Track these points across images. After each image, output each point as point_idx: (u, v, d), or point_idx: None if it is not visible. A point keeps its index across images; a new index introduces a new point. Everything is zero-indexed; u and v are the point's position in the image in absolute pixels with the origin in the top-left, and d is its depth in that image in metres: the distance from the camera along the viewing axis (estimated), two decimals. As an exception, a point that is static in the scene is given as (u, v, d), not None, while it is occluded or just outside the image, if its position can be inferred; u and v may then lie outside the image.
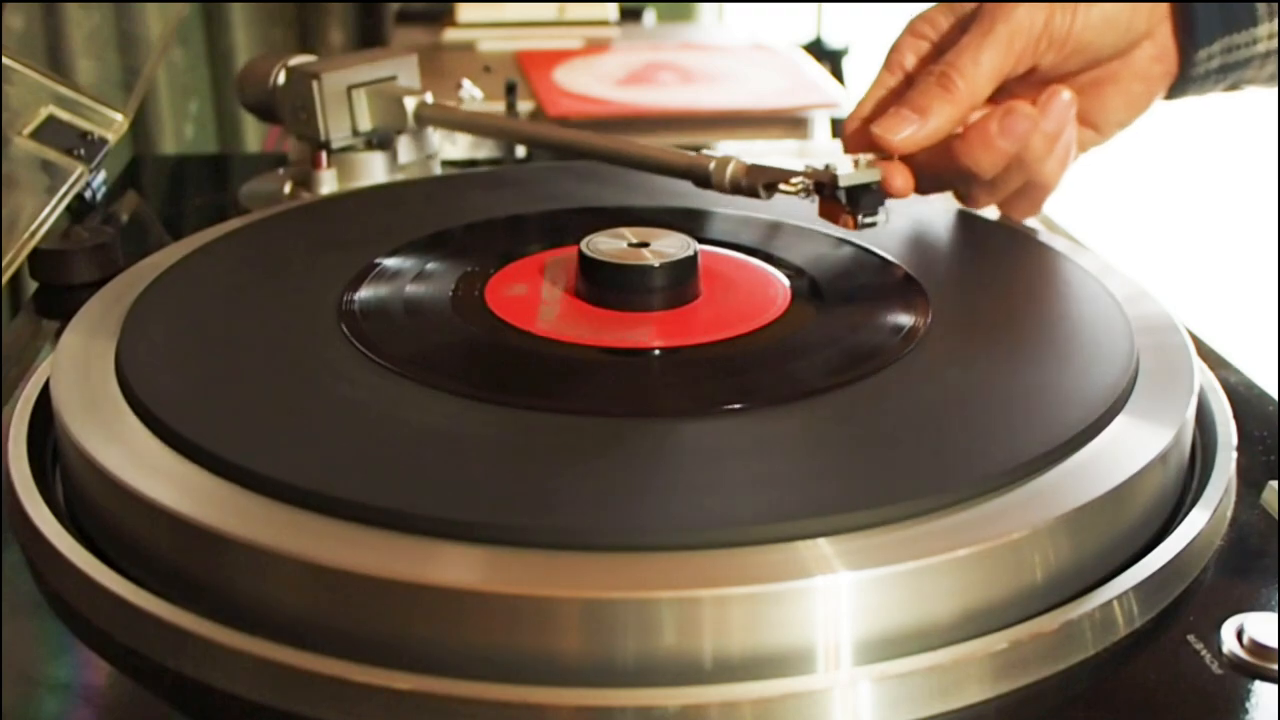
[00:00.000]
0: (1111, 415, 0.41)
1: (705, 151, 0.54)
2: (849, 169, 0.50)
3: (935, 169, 0.54)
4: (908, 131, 0.52)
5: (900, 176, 0.52)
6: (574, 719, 0.32)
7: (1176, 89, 0.57)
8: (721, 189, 0.53)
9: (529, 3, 1.26)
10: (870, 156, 0.52)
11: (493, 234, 0.58)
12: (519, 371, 0.45)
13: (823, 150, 0.93)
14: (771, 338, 0.47)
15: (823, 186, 0.50)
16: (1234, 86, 0.58)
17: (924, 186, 0.55)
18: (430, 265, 0.53)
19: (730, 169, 0.52)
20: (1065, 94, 0.53)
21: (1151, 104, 0.57)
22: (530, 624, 0.33)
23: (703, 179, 0.54)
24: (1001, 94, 0.54)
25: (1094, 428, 0.40)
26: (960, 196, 0.58)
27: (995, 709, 0.34)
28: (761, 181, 0.52)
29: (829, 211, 0.51)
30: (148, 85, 0.87)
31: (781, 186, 0.51)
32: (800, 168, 0.51)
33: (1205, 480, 0.42)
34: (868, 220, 0.50)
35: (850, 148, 0.55)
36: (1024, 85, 0.55)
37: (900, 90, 0.55)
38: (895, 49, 0.57)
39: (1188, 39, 0.55)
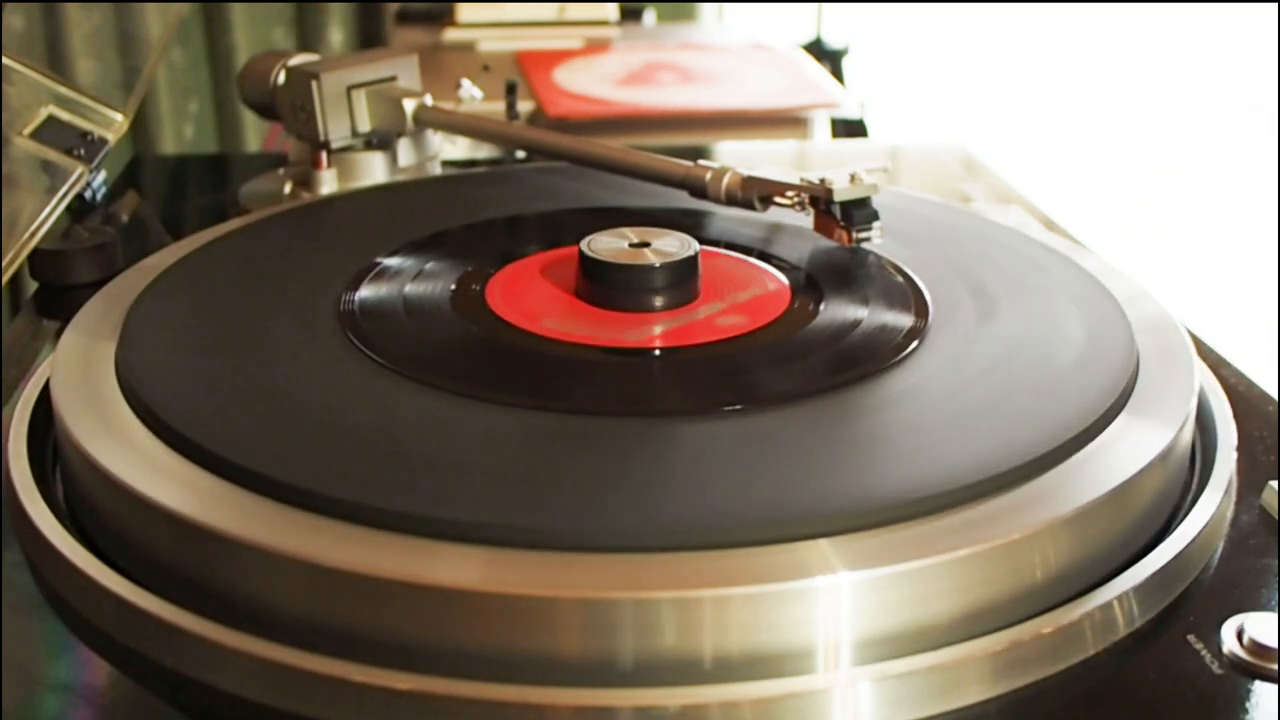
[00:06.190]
0: (1112, 415, 0.41)
1: (703, 161, 0.54)
2: (844, 183, 0.50)
3: None
4: None
5: None
6: (573, 719, 0.32)
7: None
8: (717, 200, 0.53)
9: (529, 3, 1.26)
10: (865, 170, 0.51)
11: (493, 234, 0.58)
12: (519, 371, 0.44)
13: (822, 151, 0.94)
14: (771, 338, 0.47)
15: (818, 200, 0.50)
16: None
17: None
18: (430, 265, 0.53)
19: (726, 180, 0.52)
20: None
21: None
22: (529, 624, 0.33)
23: (699, 189, 0.54)
24: None
25: (1094, 427, 0.40)
26: None
27: (995, 709, 0.34)
28: (757, 194, 0.52)
29: (824, 225, 0.51)
30: (148, 85, 0.87)
31: (777, 199, 0.51)
32: (796, 180, 0.51)
33: (1205, 480, 0.42)
34: (862, 235, 0.50)
35: None
36: None
37: None
38: None
39: None
